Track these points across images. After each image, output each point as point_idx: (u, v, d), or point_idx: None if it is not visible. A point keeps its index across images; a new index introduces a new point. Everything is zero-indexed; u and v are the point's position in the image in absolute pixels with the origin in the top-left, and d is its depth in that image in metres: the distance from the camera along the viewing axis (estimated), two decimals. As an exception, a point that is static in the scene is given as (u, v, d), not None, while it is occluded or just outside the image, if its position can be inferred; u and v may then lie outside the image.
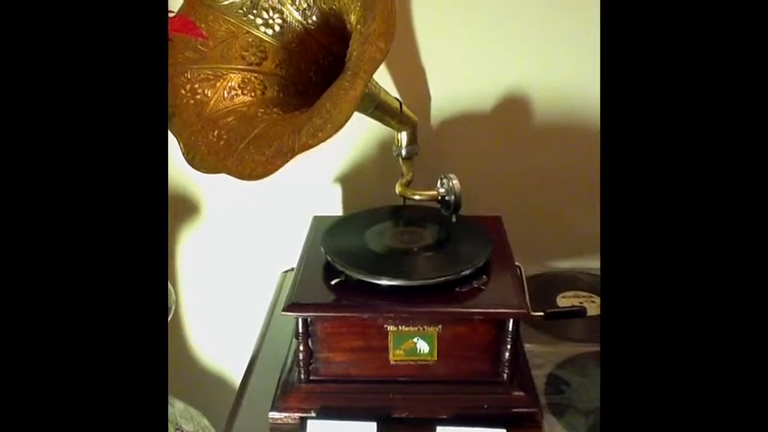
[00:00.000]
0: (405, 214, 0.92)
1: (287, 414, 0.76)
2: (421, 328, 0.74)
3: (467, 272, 0.76)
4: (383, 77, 0.99)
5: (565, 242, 1.10)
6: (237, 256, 1.14)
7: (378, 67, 0.67)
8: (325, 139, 0.66)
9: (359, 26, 0.71)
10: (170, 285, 0.97)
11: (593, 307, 0.96)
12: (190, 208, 1.11)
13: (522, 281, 0.82)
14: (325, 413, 0.75)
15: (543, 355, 0.87)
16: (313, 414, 0.75)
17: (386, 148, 1.02)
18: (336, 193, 1.09)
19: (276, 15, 0.82)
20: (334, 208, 1.09)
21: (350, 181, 1.08)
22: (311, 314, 0.74)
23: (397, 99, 0.87)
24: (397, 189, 0.90)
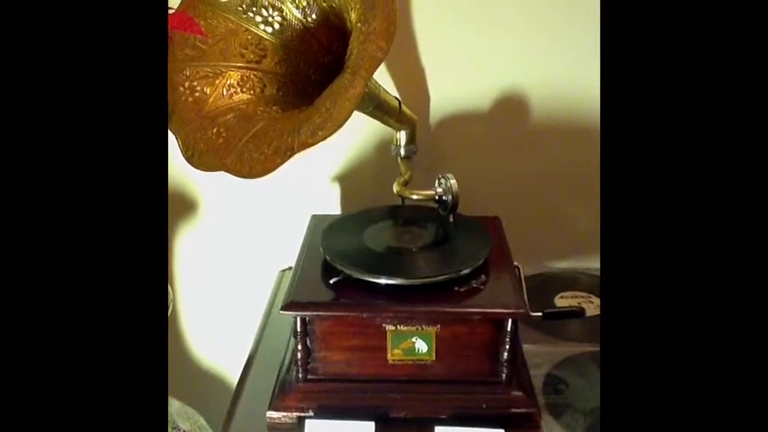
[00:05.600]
0: (403, 214, 0.92)
1: (285, 413, 0.76)
2: (419, 328, 0.74)
3: (465, 271, 0.76)
4: (382, 76, 0.99)
5: (563, 242, 1.10)
6: (235, 255, 1.14)
7: (378, 65, 0.67)
8: (325, 138, 0.66)
9: (359, 24, 0.70)
10: (167, 284, 0.96)
11: (591, 307, 0.96)
12: (187, 206, 1.11)
13: (521, 281, 0.82)
14: (323, 412, 0.74)
15: (541, 355, 0.87)
16: (311, 413, 0.75)
17: (384, 147, 1.02)
18: (335, 192, 1.09)
19: (276, 13, 0.82)
20: (333, 207, 1.09)
21: (348, 180, 1.08)
22: (309, 313, 0.74)
23: (397, 98, 0.87)
24: (395, 188, 0.90)
